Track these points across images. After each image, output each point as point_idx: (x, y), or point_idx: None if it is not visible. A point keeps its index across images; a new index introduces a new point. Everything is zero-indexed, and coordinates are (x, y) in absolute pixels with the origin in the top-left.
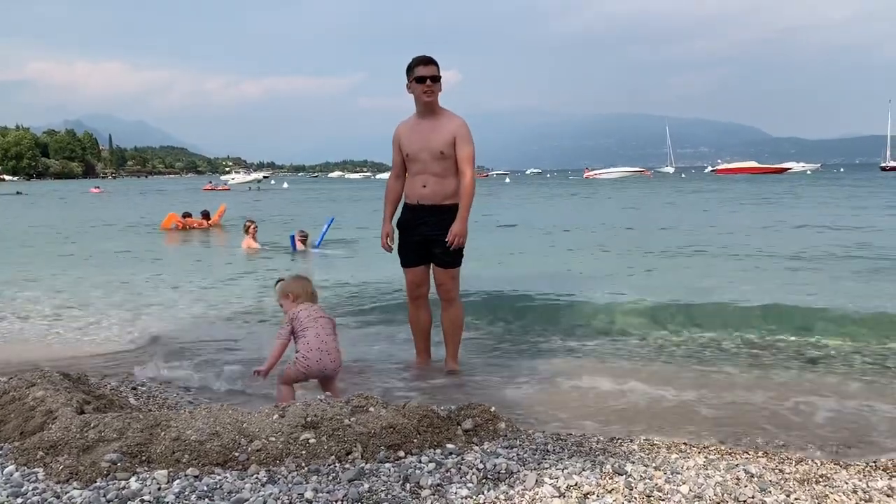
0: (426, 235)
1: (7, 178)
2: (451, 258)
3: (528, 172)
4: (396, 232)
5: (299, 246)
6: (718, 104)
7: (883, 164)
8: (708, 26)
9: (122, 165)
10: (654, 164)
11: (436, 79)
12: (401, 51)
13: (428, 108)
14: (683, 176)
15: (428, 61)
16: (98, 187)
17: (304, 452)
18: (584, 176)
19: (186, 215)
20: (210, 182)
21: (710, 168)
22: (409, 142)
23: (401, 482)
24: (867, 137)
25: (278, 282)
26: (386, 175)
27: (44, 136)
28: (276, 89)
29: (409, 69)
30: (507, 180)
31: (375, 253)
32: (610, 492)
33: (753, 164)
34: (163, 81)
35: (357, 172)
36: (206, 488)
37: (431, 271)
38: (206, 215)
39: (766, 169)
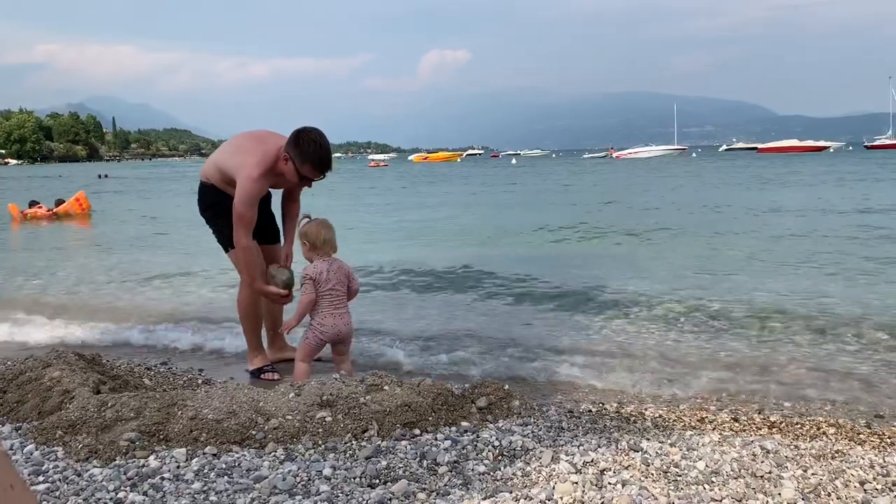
0: None
1: (12, 161)
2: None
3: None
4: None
5: None
6: (723, 82)
7: (866, 144)
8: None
9: (125, 148)
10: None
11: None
12: (408, 30)
13: (281, 185)
14: (694, 155)
15: (325, 168)
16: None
17: (320, 430)
18: (616, 156)
19: (33, 203)
20: None
21: (724, 147)
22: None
23: (417, 459)
24: (870, 115)
25: (303, 218)
26: (392, 155)
27: (47, 120)
28: (282, 71)
29: (304, 158)
30: (514, 161)
31: (374, 236)
32: (627, 468)
33: (795, 142)
34: (168, 64)
35: (360, 154)
36: (224, 466)
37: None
38: (58, 203)
39: (807, 147)
